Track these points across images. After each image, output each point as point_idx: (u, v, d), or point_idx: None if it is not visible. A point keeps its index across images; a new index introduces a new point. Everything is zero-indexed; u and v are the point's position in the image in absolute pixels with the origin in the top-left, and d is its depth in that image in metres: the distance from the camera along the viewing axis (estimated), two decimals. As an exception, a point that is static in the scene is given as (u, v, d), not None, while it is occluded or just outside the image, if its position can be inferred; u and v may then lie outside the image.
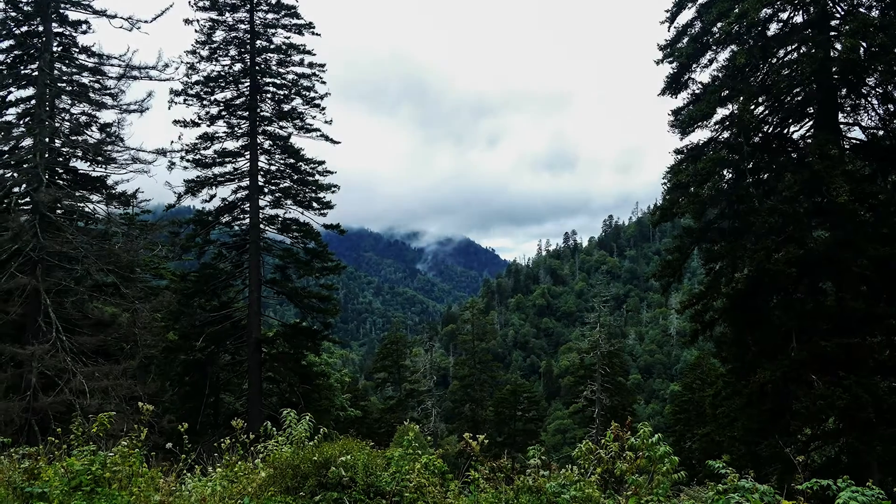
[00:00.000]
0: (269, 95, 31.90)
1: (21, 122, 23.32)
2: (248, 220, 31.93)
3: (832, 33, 20.59)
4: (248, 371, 31.22)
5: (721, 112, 21.77)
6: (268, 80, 31.57)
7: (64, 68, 23.59)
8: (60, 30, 23.56)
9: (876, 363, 19.72)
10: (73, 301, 23.38)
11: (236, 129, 31.74)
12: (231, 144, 31.77)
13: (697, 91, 22.55)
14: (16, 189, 22.67)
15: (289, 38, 31.48)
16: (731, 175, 22.35)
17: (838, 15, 20.85)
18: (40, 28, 23.23)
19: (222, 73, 31.27)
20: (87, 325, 22.64)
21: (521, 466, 7.59)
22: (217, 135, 31.46)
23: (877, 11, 20.12)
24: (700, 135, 22.85)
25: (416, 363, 64.63)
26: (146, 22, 22.85)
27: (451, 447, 37.51)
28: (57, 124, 23.25)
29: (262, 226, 31.82)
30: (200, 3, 30.44)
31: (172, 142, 30.36)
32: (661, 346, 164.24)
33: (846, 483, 5.35)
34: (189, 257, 32.80)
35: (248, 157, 31.63)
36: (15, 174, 22.52)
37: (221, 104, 31.47)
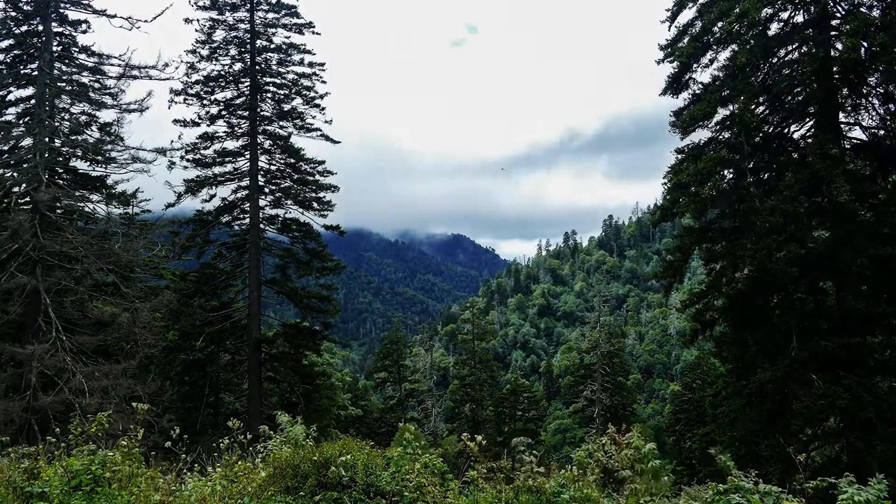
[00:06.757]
0: (269, 95, 31.89)
1: (21, 121, 23.29)
2: (248, 220, 31.91)
3: (833, 33, 20.58)
4: (248, 371, 31.21)
5: (722, 112, 21.75)
6: (268, 79, 31.56)
7: (64, 68, 23.57)
8: (60, 29, 23.54)
9: (876, 363, 19.72)
10: (72, 301, 23.35)
11: (236, 128, 31.74)
12: (231, 144, 31.81)
13: (698, 91, 22.52)
14: (16, 189, 22.63)
15: (289, 37, 31.54)
16: (731, 175, 22.33)
17: (839, 14, 20.83)
18: (40, 27, 23.20)
19: (222, 73, 31.27)
20: (86, 325, 22.62)
21: (522, 466, 7.57)
22: (217, 134, 31.47)
23: (878, 11, 20.09)
24: (701, 134, 22.84)
25: (416, 363, 64.52)
26: (146, 21, 22.73)
27: (451, 447, 37.51)
28: (57, 124, 23.21)
29: (262, 226, 31.80)
30: (200, 3, 30.45)
31: (172, 141, 30.31)
32: (661, 346, 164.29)
33: (848, 481, 5.33)
34: (189, 257, 32.77)
35: (248, 156, 31.61)
36: (15, 174, 22.50)
37: (221, 104, 31.47)
